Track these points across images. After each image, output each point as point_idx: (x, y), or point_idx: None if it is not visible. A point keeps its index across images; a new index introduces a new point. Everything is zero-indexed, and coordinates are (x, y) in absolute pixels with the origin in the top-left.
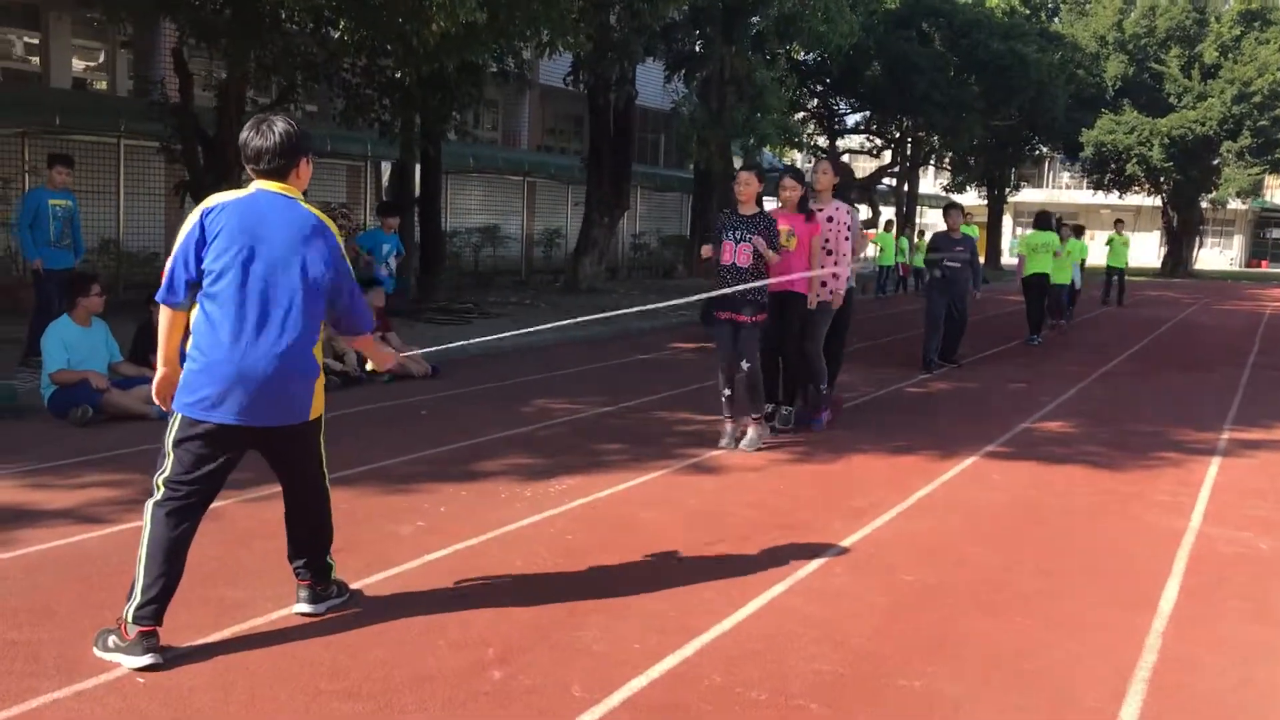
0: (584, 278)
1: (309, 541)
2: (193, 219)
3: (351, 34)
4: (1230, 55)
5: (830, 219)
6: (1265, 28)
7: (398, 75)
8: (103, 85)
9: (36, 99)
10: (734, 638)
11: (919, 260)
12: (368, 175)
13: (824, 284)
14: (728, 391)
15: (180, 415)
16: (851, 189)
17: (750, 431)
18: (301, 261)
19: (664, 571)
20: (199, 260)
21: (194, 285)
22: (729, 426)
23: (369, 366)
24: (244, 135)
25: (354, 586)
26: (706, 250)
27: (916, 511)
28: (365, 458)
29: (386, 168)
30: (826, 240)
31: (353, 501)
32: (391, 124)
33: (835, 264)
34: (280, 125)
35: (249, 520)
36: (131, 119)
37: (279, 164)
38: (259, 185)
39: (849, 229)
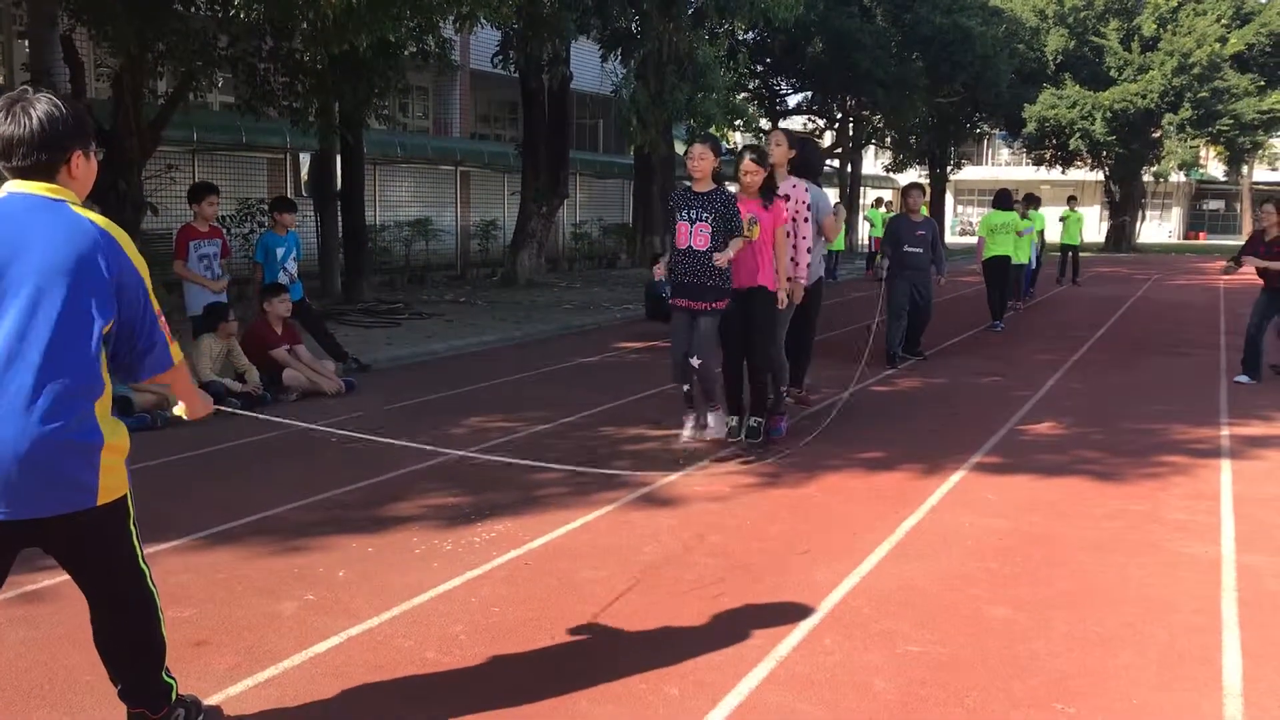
0: (522, 271)
1: (129, 662)
2: None
3: (249, 11)
4: (1169, 27)
5: (787, 197)
6: None
7: (305, 58)
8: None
9: None
10: None
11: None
12: (288, 168)
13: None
14: (686, 387)
15: None
16: (819, 166)
17: (710, 419)
18: (71, 288)
19: (613, 656)
20: None
21: None
22: (689, 420)
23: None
24: None
25: (210, 702)
26: (659, 271)
27: (908, 549)
28: (254, 504)
29: (306, 159)
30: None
31: (230, 568)
32: (304, 111)
33: (795, 247)
34: (41, 106)
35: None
36: None
37: (39, 160)
38: (13, 186)
39: (808, 207)
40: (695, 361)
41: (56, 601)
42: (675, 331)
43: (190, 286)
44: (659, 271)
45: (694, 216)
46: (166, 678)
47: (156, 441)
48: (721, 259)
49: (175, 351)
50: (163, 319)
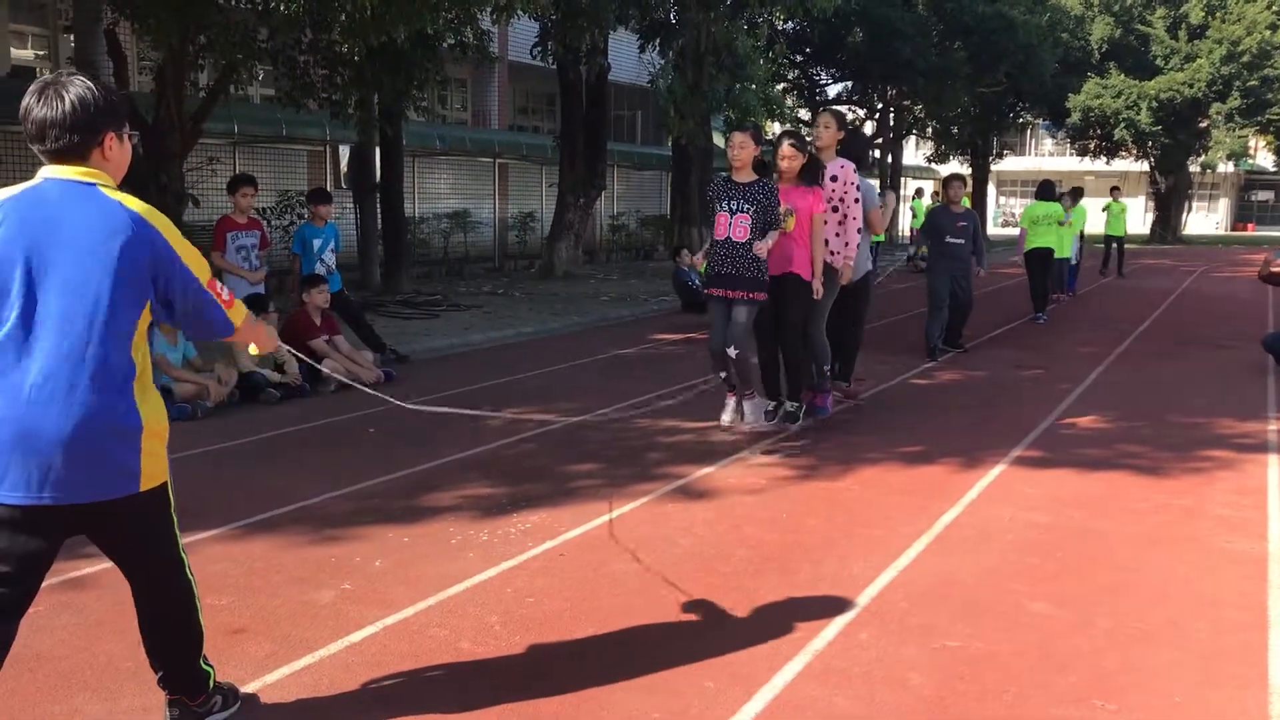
0: (560, 263)
1: (166, 649)
2: None
3: (289, 4)
4: (1217, 14)
5: (834, 177)
6: None
7: (344, 50)
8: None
9: None
10: None
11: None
12: (327, 160)
13: (827, 244)
14: (724, 374)
15: None
16: (865, 155)
17: (747, 408)
18: (105, 272)
19: (648, 648)
20: None
21: None
22: (731, 401)
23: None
24: (25, 102)
25: (248, 690)
26: (699, 260)
27: (947, 543)
28: (293, 494)
29: (345, 151)
30: (831, 200)
31: (267, 557)
32: (343, 103)
33: (842, 225)
34: (75, 89)
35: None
36: None
37: (71, 141)
38: (48, 172)
39: (857, 188)
40: (733, 352)
41: (99, 588)
42: (713, 321)
43: (228, 277)
44: (696, 261)
45: (734, 208)
46: (204, 665)
47: (196, 431)
48: (761, 248)
49: (235, 315)
50: (217, 287)
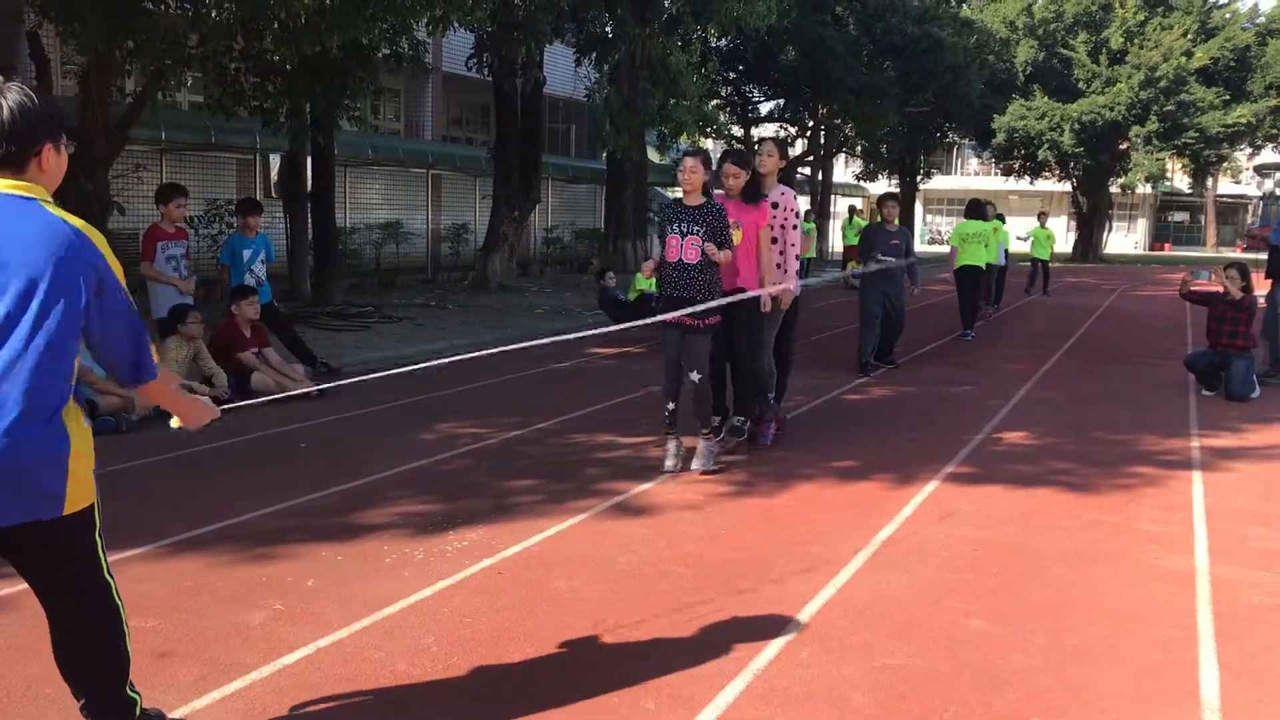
0: (494, 275)
1: (92, 678)
2: None
3: (219, 10)
4: (1136, 40)
5: (776, 204)
6: (1168, 13)
7: (277, 58)
8: None
9: None
10: None
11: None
12: (257, 169)
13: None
14: (671, 406)
15: None
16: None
17: (700, 446)
18: (46, 291)
19: (587, 668)
20: None
21: None
22: (672, 445)
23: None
24: None
25: (175, 716)
26: (649, 268)
27: (884, 560)
28: (222, 510)
29: (276, 160)
30: (771, 228)
31: (196, 576)
32: (275, 112)
33: (782, 254)
34: (12, 96)
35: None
36: None
37: (8, 151)
38: None
39: (796, 215)
40: (695, 376)
41: (16, 610)
42: (666, 347)
43: (156, 289)
44: (649, 268)
45: (685, 230)
46: (130, 692)
47: (121, 445)
48: (716, 255)
49: (155, 356)
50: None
